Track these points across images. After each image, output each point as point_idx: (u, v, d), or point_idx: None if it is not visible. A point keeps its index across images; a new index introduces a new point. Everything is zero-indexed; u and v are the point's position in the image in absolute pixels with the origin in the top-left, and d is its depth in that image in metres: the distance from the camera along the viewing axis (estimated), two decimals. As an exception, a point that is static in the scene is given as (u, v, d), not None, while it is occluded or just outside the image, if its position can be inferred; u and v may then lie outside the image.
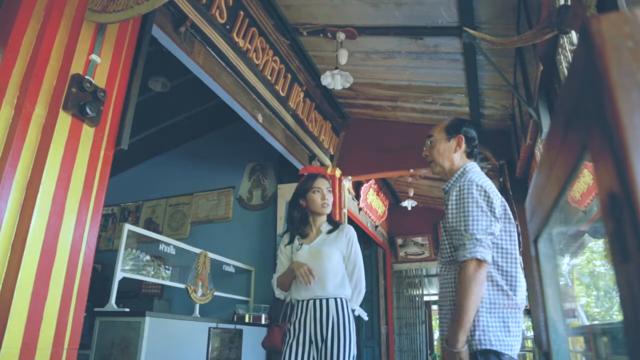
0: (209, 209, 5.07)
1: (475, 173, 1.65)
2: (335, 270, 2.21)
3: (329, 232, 2.30)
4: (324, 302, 2.15)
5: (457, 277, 1.50)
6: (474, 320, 1.45)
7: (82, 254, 1.63)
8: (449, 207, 1.57)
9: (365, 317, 2.49)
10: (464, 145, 1.72)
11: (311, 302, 2.16)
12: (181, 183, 5.34)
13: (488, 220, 1.49)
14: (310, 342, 2.12)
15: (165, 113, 4.98)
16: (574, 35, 1.78)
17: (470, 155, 1.73)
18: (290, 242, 2.32)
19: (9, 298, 1.34)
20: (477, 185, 1.55)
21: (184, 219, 5.11)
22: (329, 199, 2.32)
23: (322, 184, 2.32)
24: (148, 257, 3.40)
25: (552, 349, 0.88)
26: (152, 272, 3.36)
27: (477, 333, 1.44)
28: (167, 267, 3.55)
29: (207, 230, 5.00)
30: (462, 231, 1.49)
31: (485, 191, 1.54)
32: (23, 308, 1.38)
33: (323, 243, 2.27)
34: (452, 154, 1.72)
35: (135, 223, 5.21)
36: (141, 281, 3.75)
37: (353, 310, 2.26)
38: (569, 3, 1.17)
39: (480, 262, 1.44)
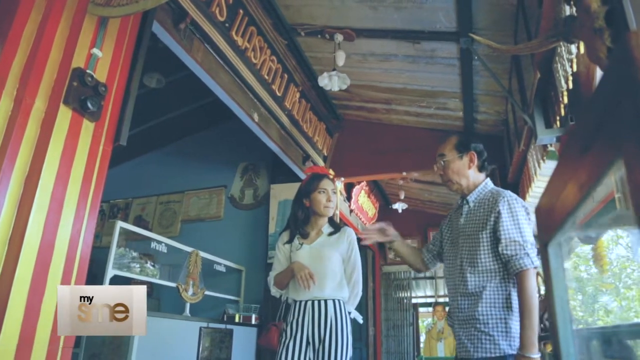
0: (200, 207, 5.03)
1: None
2: (335, 272, 2.21)
3: (330, 234, 2.30)
4: (322, 303, 2.14)
5: (504, 285, 1.58)
6: (505, 327, 1.54)
7: (79, 250, 1.61)
8: (502, 220, 1.61)
9: (360, 320, 2.49)
10: (476, 161, 1.78)
11: (309, 302, 2.15)
12: (172, 181, 5.28)
13: (532, 233, 1.61)
14: (308, 343, 2.11)
15: (158, 110, 4.93)
16: (572, 45, 1.81)
17: (482, 168, 1.81)
18: (290, 240, 2.31)
19: (6, 295, 1.32)
20: (521, 201, 1.66)
21: (174, 217, 5.07)
22: (334, 201, 2.30)
23: (328, 185, 2.31)
24: (135, 254, 3.36)
25: (562, 352, 0.89)
26: (139, 269, 3.31)
27: (509, 339, 1.53)
28: (153, 264, 3.48)
29: (198, 228, 4.96)
30: (519, 242, 1.56)
31: (526, 207, 1.65)
32: (20, 305, 1.35)
33: (324, 244, 2.26)
34: (467, 170, 1.78)
35: (125, 220, 5.14)
36: (130, 279, 3.72)
37: (349, 313, 2.26)
38: (576, 14, 1.20)
39: (536, 270, 1.54)
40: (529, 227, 1.60)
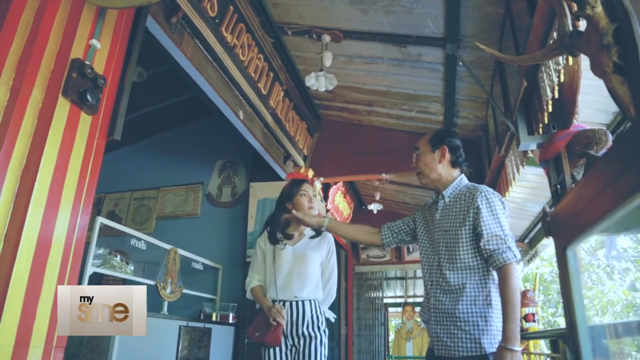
0: (176, 204, 4.93)
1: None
2: (314, 274, 2.33)
3: (312, 237, 2.41)
4: (300, 303, 2.25)
5: (484, 282, 1.58)
6: (486, 324, 1.53)
7: (73, 247, 1.55)
8: (482, 215, 1.59)
9: (332, 318, 2.58)
10: (448, 155, 1.79)
11: (288, 303, 2.25)
12: (148, 176, 5.15)
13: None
14: (286, 339, 2.21)
15: (136, 104, 4.79)
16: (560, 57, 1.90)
17: (455, 164, 1.80)
18: (274, 242, 2.39)
19: (2, 294, 1.26)
20: (498, 195, 1.66)
21: (149, 214, 4.94)
22: (315, 203, 2.42)
23: (309, 189, 2.44)
24: (101, 251, 3.24)
25: (582, 348, 0.94)
26: (98, 265, 3.18)
27: (490, 337, 1.52)
28: (122, 259, 3.36)
29: (173, 225, 4.86)
30: (501, 236, 1.56)
31: (503, 201, 1.65)
32: (17, 304, 1.29)
33: (307, 247, 2.38)
34: (437, 164, 1.78)
35: (97, 215, 4.97)
36: (102, 276, 3.60)
37: (324, 312, 2.37)
38: (581, 28, 1.26)
39: (517, 263, 1.55)
40: (506, 221, 1.61)
